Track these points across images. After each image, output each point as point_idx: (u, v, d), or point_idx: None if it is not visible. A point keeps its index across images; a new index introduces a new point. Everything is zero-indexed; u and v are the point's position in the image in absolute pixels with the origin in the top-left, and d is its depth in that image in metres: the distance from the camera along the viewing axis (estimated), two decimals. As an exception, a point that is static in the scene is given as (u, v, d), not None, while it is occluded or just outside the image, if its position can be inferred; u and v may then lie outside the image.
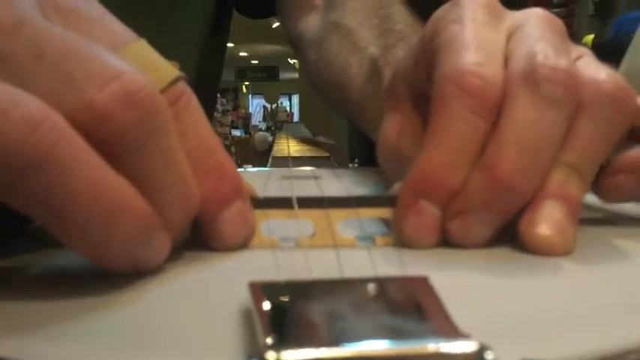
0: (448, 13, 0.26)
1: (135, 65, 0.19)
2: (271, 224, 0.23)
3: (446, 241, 0.23)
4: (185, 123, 0.21)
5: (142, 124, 0.18)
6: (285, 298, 0.15)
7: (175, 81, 0.21)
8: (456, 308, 0.14)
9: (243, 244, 0.23)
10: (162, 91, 0.20)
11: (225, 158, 0.22)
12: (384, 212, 0.24)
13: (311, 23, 0.53)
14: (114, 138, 0.18)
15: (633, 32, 0.65)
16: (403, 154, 0.28)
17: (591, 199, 0.26)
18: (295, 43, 0.56)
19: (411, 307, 0.15)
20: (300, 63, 0.57)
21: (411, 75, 0.28)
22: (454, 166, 0.22)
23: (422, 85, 0.27)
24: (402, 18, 0.45)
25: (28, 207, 0.18)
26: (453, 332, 0.13)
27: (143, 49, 0.21)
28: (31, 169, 0.17)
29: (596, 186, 0.25)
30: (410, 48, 0.29)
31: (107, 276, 0.19)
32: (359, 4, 0.49)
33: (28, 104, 0.17)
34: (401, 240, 0.23)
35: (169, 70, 0.21)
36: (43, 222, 0.18)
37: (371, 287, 0.15)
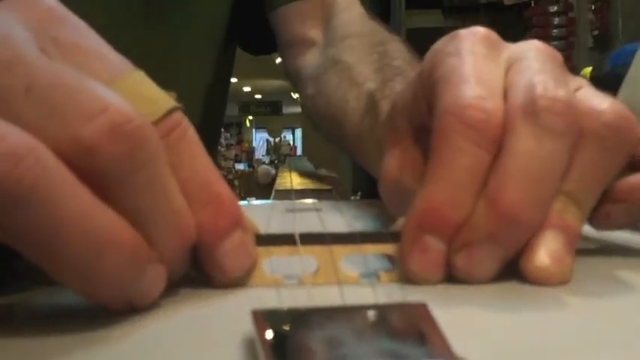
0: (446, 46, 0.26)
1: (129, 97, 0.19)
2: (274, 262, 0.23)
3: (451, 276, 0.23)
4: (181, 154, 0.21)
5: (130, 156, 0.18)
6: (288, 325, 0.16)
7: (171, 112, 0.21)
8: (458, 340, 0.14)
9: (245, 276, 0.22)
10: (157, 122, 0.20)
11: (222, 189, 0.22)
12: (388, 248, 0.24)
13: (310, 59, 0.54)
14: (101, 171, 0.18)
15: (630, 64, 0.66)
16: (405, 189, 0.28)
17: (590, 230, 0.26)
18: (294, 79, 0.57)
19: (410, 332, 0.15)
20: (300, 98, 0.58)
21: (410, 108, 0.28)
22: (458, 200, 0.22)
23: (422, 118, 0.27)
24: (399, 54, 0.46)
25: (15, 241, 0.18)
26: (449, 356, 0.14)
27: (139, 80, 0.21)
28: (16, 203, 0.17)
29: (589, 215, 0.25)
30: (408, 82, 0.29)
31: (103, 311, 0.19)
32: (358, 41, 0.50)
33: (13, 137, 0.17)
34: (406, 276, 0.23)
35: (165, 100, 0.21)
36: (32, 257, 0.18)
37: (371, 314, 0.16)
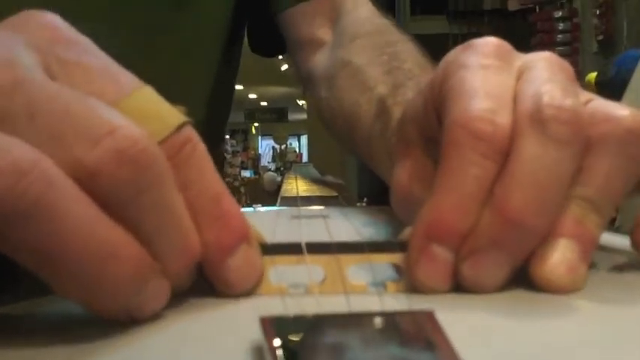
0: (457, 57, 0.26)
1: (137, 115, 0.19)
2: (280, 271, 0.23)
3: (459, 286, 0.23)
4: (190, 172, 0.21)
5: (135, 180, 0.18)
6: (296, 332, 0.16)
7: (180, 127, 0.21)
8: (465, 348, 0.15)
9: (252, 289, 0.22)
10: (165, 139, 0.20)
11: (230, 205, 0.22)
12: (396, 258, 0.24)
13: (320, 59, 0.54)
14: (106, 194, 0.18)
15: (634, 69, 0.66)
16: (417, 200, 0.27)
17: (608, 238, 0.26)
18: (306, 81, 0.57)
19: (417, 339, 0.15)
20: (311, 100, 0.58)
21: (420, 119, 0.28)
22: (465, 210, 0.22)
23: (432, 129, 0.27)
24: (409, 56, 0.46)
25: (18, 254, 0.18)
26: (456, 362, 0.14)
27: (146, 96, 0.21)
28: (19, 218, 0.17)
29: (632, 240, 0.25)
30: (419, 91, 0.29)
31: (104, 320, 0.19)
32: (367, 41, 0.50)
33: (17, 151, 0.17)
34: (413, 286, 0.23)
35: (173, 117, 0.21)
36: (34, 268, 0.18)
37: (378, 321, 0.16)
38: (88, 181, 0.18)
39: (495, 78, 0.25)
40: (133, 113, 0.19)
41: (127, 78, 0.21)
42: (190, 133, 0.21)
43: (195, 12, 0.53)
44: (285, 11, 0.56)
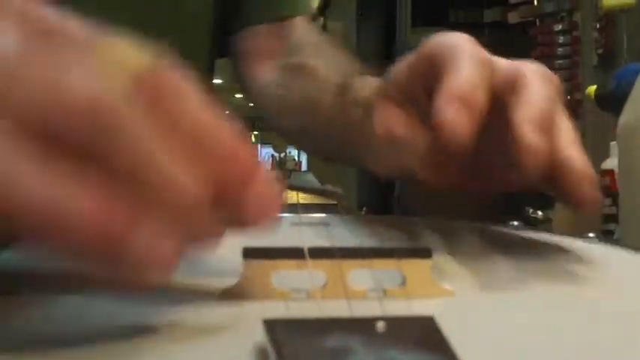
0: (444, 37, 0.33)
1: (103, 62, 0.19)
2: (281, 275, 0.23)
3: (460, 291, 0.23)
4: (172, 111, 0.19)
5: (102, 137, 0.18)
6: (299, 335, 0.16)
7: (151, 68, 0.19)
8: (466, 353, 0.15)
9: (273, 219, 0.21)
10: (136, 84, 0.19)
11: (227, 136, 0.20)
12: (397, 263, 0.24)
13: (273, 67, 0.58)
14: (75, 142, 0.18)
15: (634, 83, 0.66)
16: (396, 138, 0.33)
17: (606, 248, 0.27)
18: (251, 86, 0.60)
19: (418, 344, 0.16)
20: (257, 102, 0.61)
21: (405, 83, 0.34)
22: (478, 87, 0.29)
23: (415, 95, 0.33)
24: (353, 63, 0.53)
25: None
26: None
27: (113, 44, 0.20)
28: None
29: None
30: (404, 62, 0.34)
31: (103, 325, 0.19)
32: (318, 47, 0.58)
33: None
34: (439, 130, 0.28)
35: (141, 60, 0.19)
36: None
37: (379, 325, 0.16)
38: (60, 129, 0.17)
39: (478, 52, 0.32)
40: (102, 60, 0.19)
41: (90, 31, 0.20)
42: (163, 70, 0.20)
43: (186, 8, 0.55)
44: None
